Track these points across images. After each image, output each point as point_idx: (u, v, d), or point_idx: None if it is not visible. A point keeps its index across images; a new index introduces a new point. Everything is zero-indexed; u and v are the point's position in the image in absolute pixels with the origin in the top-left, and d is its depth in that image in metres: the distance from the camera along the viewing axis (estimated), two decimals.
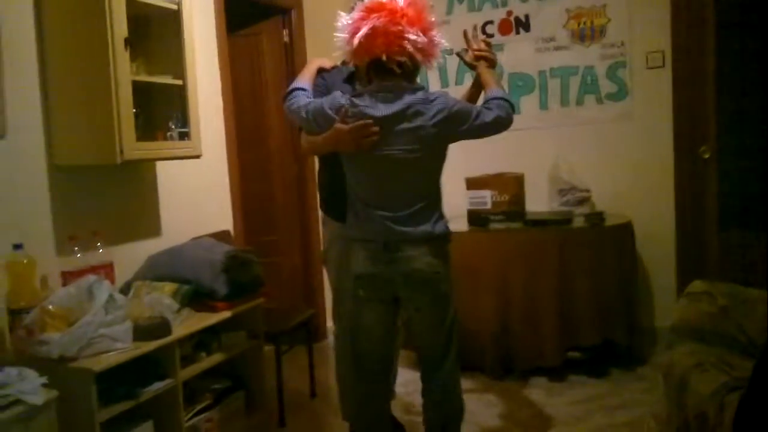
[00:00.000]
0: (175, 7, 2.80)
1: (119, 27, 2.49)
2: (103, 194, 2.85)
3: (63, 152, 2.60)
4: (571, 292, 3.50)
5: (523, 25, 4.17)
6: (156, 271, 2.82)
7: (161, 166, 3.15)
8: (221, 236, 3.35)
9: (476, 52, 2.56)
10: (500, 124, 2.37)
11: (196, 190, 3.40)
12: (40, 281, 2.49)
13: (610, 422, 3.03)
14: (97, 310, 2.26)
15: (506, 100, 2.40)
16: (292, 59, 4.37)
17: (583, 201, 3.91)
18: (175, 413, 2.53)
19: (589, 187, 3.94)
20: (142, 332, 2.39)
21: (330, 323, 4.54)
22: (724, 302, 2.67)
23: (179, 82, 2.85)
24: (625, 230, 3.70)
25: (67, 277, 2.52)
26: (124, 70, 2.52)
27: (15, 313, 2.31)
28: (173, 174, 3.21)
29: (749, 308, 2.65)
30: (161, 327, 2.45)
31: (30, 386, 1.89)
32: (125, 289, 2.74)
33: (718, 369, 2.26)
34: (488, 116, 2.35)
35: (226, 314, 2.77)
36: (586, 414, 3.11)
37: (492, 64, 2.56)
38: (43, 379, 1.94)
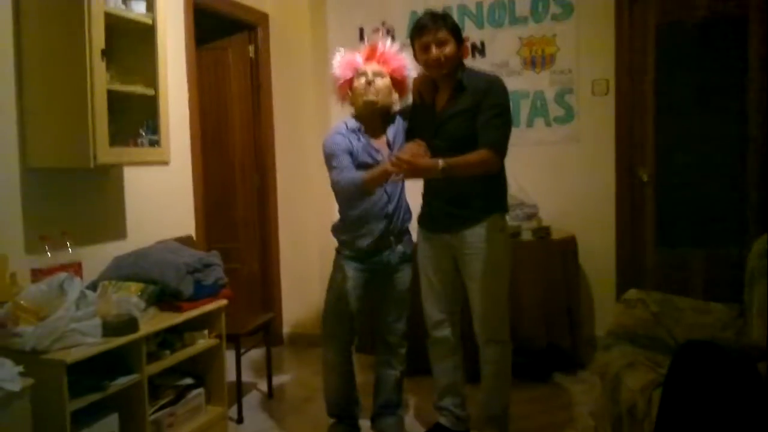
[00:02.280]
0: (150, 21, 2.93)
1: (97, 38, 2.61)
2: (72, 196, 2.95)
3: (36, 155, 2.70)
4: (518, 300, 3.70)
5: (479, 50, 4.41)
6: (122, 271, 2.92)
7: (128, 172, 3.25)
8: (184, 241, 3.46)
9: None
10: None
11: (161, 196, 3.51)
12: (9, 278, 2.56)
13: (553, 421, 3.24)
14: (69, 306, 2.36)
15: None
16: (257, 74, 4.53)
17: (531, 216, 4.12)
18: (140, 407, 2.63)
19: (536, 204, 4.15)
20: (110, 328, 2.49)
21: (287, 329, 4.69)
22: (656, 309, 2.92)
23: (151, 92, 2.97)
24: (570, 244, 3.94)
25: (37, 274, 2.61)
26: (100, 80, 2.64)
27: None
28: (140, 179, 3.32)
29: (678, 315, 2.91)
30: (129, 324, 2.55)
31: (7, 373, 1.98)
32: (92, 289, 2.81)
33: (647, 367, 2.48)
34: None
35: (191, 314, 2.89)
36: (529, 413, 3.31)
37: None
38: (20, 368, 2.03)
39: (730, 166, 4.01)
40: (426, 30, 2.75)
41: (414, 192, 3.04)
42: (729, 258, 3.87)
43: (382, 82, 2.90)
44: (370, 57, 2.94)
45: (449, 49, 2.73)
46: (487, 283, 2.81)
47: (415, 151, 2.65)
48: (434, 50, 2.73)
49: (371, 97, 2.88)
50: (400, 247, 3.00)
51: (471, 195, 2.80)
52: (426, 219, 2.97)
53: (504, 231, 2.89)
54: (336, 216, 3.07)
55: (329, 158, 2.89)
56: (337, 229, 3.05)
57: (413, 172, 2.61)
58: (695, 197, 4.09)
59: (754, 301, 2.77)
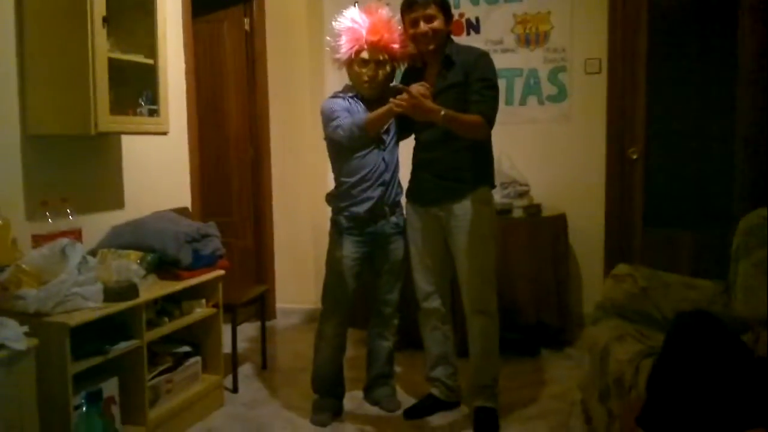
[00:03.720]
0: None
1: (99, 5, 2.61)
2: (72, 164, 2.96)
3: (37, 121, 2.71)
4: (509, 276, 3.77)
5: (473, 27, 4.43)
6: (120, 239, 2.95)
7: (126, 142, 3.27)
8: (180, 212, 3.48)
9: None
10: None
11: (158, 167, 3.53)
12: (11, 243, 2.59)
13: (541, 394, 3.33)
14: (71, 270, 2.39)
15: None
16: (252, 47, 4.53)
17: (522, 194, 4.18)
18: (139, 372, 2.68)
19: (528, 182, 4.21)
20: (111, 293, 2.53)
21: (280, 304, 4.73)
22: (644, 284, 2.99)
23: (151, 61, 2.98)
24: (560, 222, 4.01)
25: (38, 240, 2.63)
26: (101, 47, 2.65)
27: None
28: (137, 150, 3.34)
29: (666, 290, 2.97)
30: (130, 290, 2.59)
31: (13, 333, 2.02)
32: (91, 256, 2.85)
33: (635, 339, 2.56)
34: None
35: (190, 282, 2.93)
36: (518, 386, 3.39)
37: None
38: (25, 328, 2.07)
39: (720, 147, 4.08)
40: (415, 5, 2.82)
41: (401, 168, 3.11)
42: (716, 237, 3.95)
43: (384, 72, 2.96)
44: (374, 39, 2.90)
45: (437, 23, 2.81)
46: (474, 255, 2.88)
47: (423, 91, 2.73)
48: (422, 25, 2.81)
49: (371, 90, 2.95)
50: (393, 218, 3.06)
51: (459, 168, 2.87)
52: (414, 192, 3.03)
53: (490, 204, 2.97)
54: (331, 187, 3.10)
55: (329, 115, 2.93)
56: (333, 197, 3.07)
57: (417, 108, 2.67)
58: (684, 177, 4.17)
59: (738, 276, 2.85)
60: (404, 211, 3.12)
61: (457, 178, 2.88)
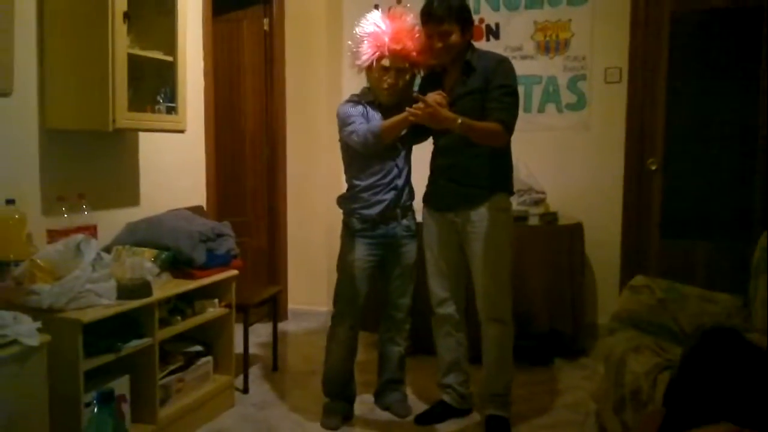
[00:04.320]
0: None
1: (120, 1, 2.61)
2: (89, 160, 2.96)
3: (55, 116, 2.71)
4: (523, 284, 3.73)
5: (493, 33, 4.41)
6: (135, 237, 2.94)
7: (143, 139, 3.26)
8: (195, 211, 3.47)
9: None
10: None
11: (174, 165, 3.53)
12: (26, 237, 2.58)
13: (554, 404, 3.28)
14: (86, 266, 2.38)
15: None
16: (271, 47, 4.52)
17: (538, 202, 4.15)
18: (151, 371, 2.66)
19: (544, 190, 4.18)
20: (125, 291, 2.51)
21: (292, 306, 4.71)
22: (662, 295, 2.95)
23: (170, 58, 2.98)
24: (576, 231, 3.96)
25: (53, 235, 2.63)
26: (122, 43, 2.64)
27: (3, 265, 2.40)
28: (154, 147, 3.33)
29: (684, 302, 2.93)
30: (143, 287, 2.58)
31: (26, 329, 2.00)
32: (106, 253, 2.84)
33: (652, 352, 2.52)
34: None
35: (203, 281, 2.92)
36: (531, 395, 3.35)
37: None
38: (38, 324, 2.06)
39: (739, 160, 4.03)
40: (429, 21, 2.79)
41: (417, 173, 3.08)
42: (733, 251, 3.90)
43: (403, 80, 2.94)
44: (396, 48, 2.85)
45: (453, 37, 2.78)
46: (490, 262, 2.85)
47: (439, 100, 2.70)
48: (436, 42, 2.78)
49: (390, 97, 2.93)
50: (405, 221, 3.04)
51: (477, 174, 2.85)
52: (431, 197, 3.01)
53: (507, 211, 2.95)
54: (344, 190, 3.08)
55: (344, 120, 2.91)
56: (345, 199, 3.05)
57: (433, 117, 2.64)
58: (702, 189, 4.12)
59: (758, 292, 2.81)
60: (416, 215, 3.10)
61: (474, 185, 2.85)
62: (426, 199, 3.04)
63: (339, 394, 3.12)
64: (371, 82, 2.98)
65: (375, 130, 2.81)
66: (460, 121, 2.63)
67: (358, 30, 2.92)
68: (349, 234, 3.01)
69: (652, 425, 1.91)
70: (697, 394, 1.97)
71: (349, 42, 3.00)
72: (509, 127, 2.76)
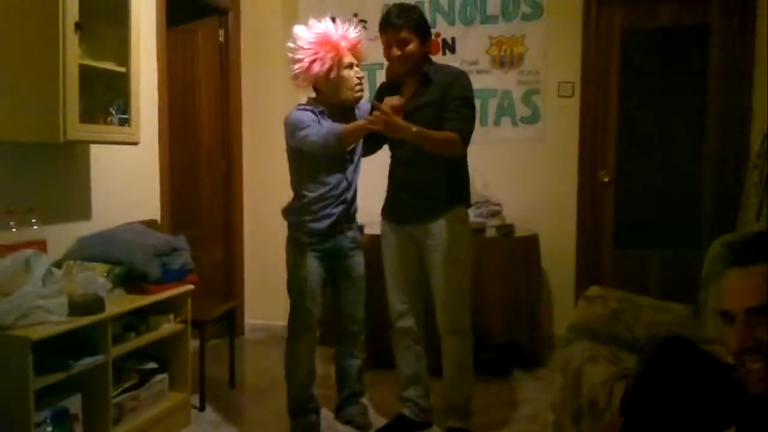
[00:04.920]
0: None
1: (71, 11, 2.55)
2: (39, 173, 2.88)
3: (3, 127, 2.61)
4: (481, 296, 3.75)
5: (449, 47, 4.46)
6: (87, 252, 2.86)
7: (95, 151, 3.19)
8: (149, 225, 3.39)
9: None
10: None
11: (127, 178, 3.45)
12: None
13: (513, 414, 3.31)
14: (35, 282, 2.31)
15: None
16: (226, 59, 4.48)
17: (495, 214, 4.18)
18: (104, 389, 2.59)
19: (501, 202, 4.22)
20: (77, 307, 2.44)
21: (249, 320, 4.65)
22: (616, 306, 3.00)
23: (123, 69, 2.92)
24: (532, 242, 4.02)
25: (1, 250, 2.52)
26: (73, 53, 2.58)
27: None
28: (106, 159, 3.26)
29: (637, 312, 2.99)
30: (96, 304, 2.51)
31: None
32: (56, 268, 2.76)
33: (608, 361, 2.56)
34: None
35: (158, 297, 2.86)
36: (490, 407, 3.36)
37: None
38: None
39: (688, 171, 4.16)
40: (388, 29, 2.80)
41: (372, 184, 3.09)
42: (684, 261, 4.00)
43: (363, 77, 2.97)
44: (353, 40, 2.92)
45: (411, 47, 2.79)
46: (449, 274, 2.86)
47: (396, 103, 2.70)
48: (394, 50, 2.80)
49: (361, 94, 2.94)
50: (350, 233, 3.05)
51: (435, 187, 2.86)
52: (390, 210, 3.01)
53: (466, 223, 2.97)
54: None
55: (296, 125, 2.85)
56: (291, 211, 3.02)
57: (388, 125, 2.64)
58: (653, 200, 4.23)
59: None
60: (364, 227, 3.11)
61: (433, 197, 2.86)
62: (385, 212, 3.04)
63: (304, 410, 3.08)
64: (333, 88, 2.91)
65: (337, 132, 2.77)
66: (414, 129, 2.64)
67: (300, 43, 2.87)
68: (298, 248, 2.97)
69: None
70: (654, 402, 2.01)
71: (296, 56, 2.88)
72: (465, 138, 2.78)
